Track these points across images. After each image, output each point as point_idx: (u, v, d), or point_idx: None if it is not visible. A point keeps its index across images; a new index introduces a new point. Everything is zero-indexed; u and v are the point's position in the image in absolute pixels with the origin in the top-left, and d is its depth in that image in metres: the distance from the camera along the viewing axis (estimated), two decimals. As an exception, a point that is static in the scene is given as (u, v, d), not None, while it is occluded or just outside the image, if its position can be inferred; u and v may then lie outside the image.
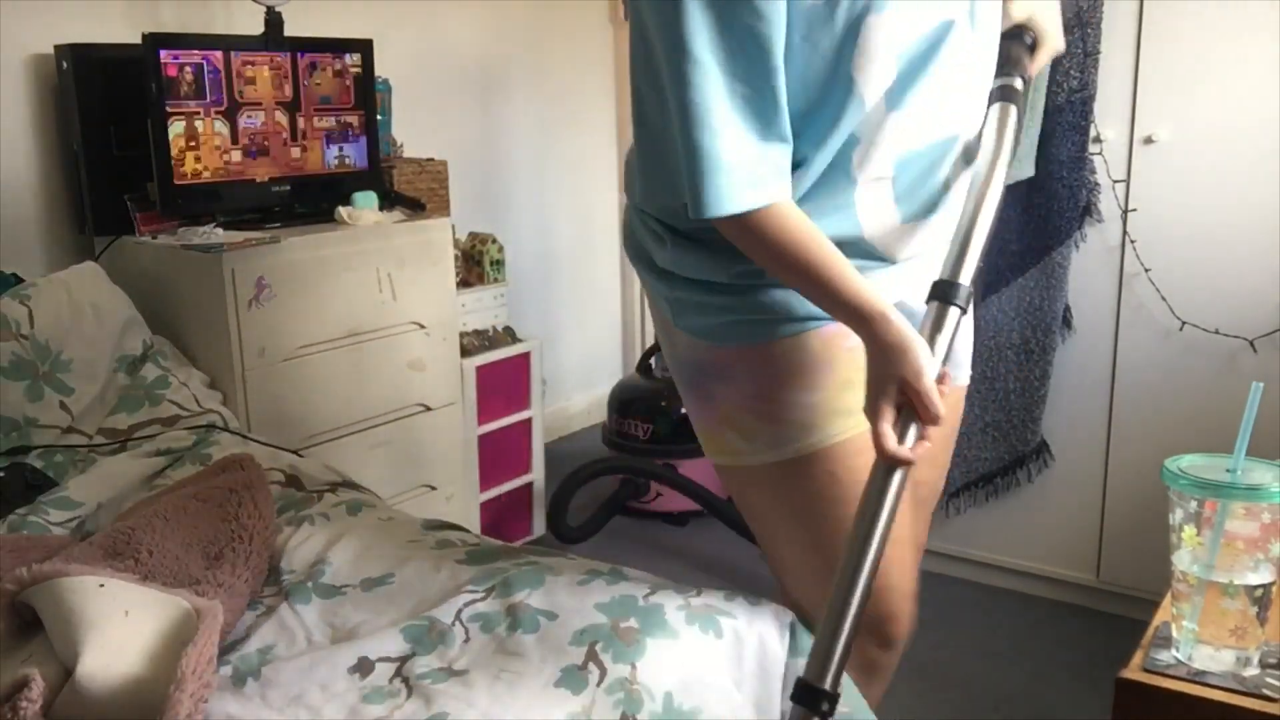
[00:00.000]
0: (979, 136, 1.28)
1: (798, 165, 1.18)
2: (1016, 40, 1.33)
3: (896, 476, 1.12)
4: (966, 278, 1.17)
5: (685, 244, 1.27)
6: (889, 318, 1.12)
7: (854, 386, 1.19)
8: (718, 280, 1.26)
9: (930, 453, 1.39)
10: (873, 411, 1.12)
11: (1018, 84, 1.29)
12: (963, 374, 1.47)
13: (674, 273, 1.29)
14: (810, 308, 1.22)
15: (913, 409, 1.11)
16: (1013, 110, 1.26)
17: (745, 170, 1.11)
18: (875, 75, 1.14)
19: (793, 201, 1.16)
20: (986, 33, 1.25)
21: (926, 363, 1.10)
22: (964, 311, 1.17)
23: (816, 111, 1.16)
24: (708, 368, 1.30)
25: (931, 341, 1.13)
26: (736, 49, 1.08)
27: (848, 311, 1.15)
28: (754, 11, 1.07)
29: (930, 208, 1.27)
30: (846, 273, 1.14)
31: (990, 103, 1.28)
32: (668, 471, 3.08)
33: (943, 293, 1.17)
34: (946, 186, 1.28)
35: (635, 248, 1.37)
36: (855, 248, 1.24)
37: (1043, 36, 1.34)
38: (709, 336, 1.29)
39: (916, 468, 1.43)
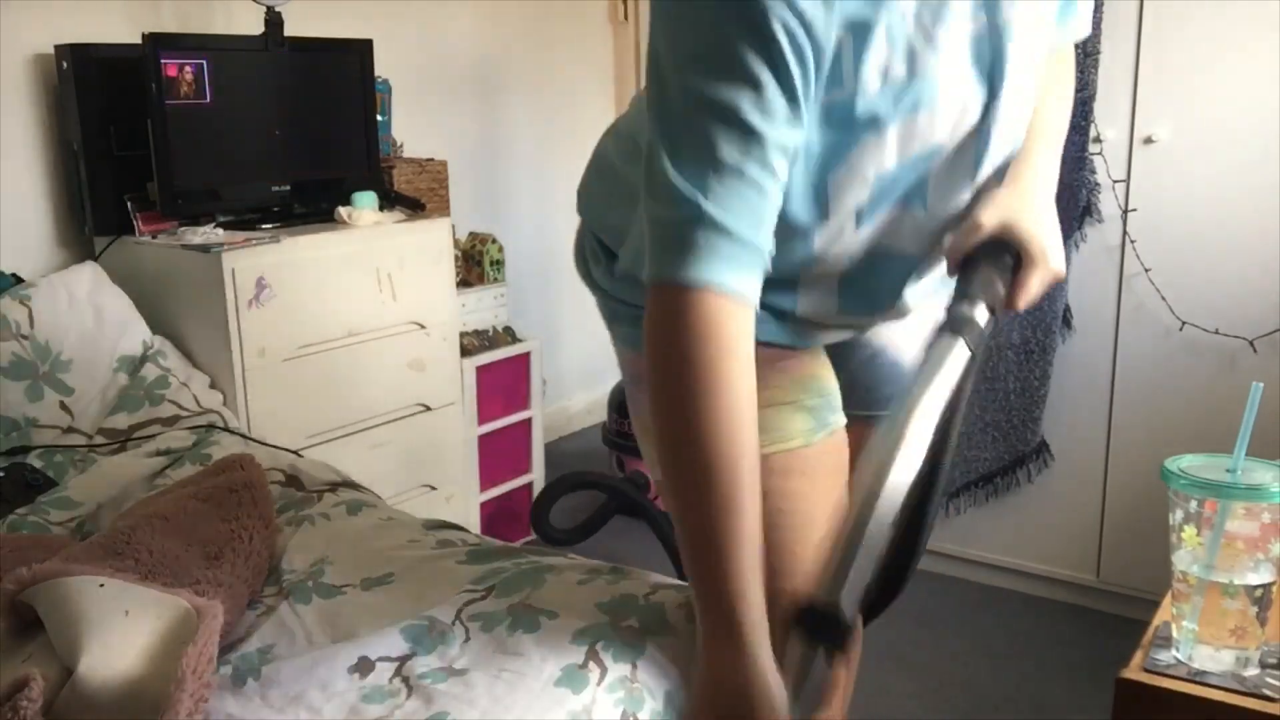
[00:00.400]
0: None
1: None
2: (992, 259, 1.00)
3: None
4: (849, 601, 0.80)
5: (616, 272, 1.24)
6: (756, 642, 0.85)
7: (779, 410, 1.06)
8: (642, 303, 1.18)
9: None
10: None
11: (979, 314, 0.94)
12: None
13: (606, 290, 1.29)
14: None
15: None
16: (958, 346, 0.91)
17: (728, 246, 0.92)
18: (851, 193, 1.04)
19: (751, 328, 0.95)
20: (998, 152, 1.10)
21: (780, 711, 0.82)
22: (841, 650, 0.83)
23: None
24: (636, 377, 1.27)
25: (789, 689, 0.83)
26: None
27: (713, 581, 0.87)
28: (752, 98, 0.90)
29: (873, 307, 1.18)
30: (747, 521, 0.87)
31: (934, 334, 0.96)
32: (637, 495, 3.05)
33: (812, 623, 0.81)
34: (896, 294, 1.17)
35: (579, 258, 1.35)
36: (781, 319, 1.15)
37: (1028, 254, 1.02)
38: (634, 344, 1.23)
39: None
